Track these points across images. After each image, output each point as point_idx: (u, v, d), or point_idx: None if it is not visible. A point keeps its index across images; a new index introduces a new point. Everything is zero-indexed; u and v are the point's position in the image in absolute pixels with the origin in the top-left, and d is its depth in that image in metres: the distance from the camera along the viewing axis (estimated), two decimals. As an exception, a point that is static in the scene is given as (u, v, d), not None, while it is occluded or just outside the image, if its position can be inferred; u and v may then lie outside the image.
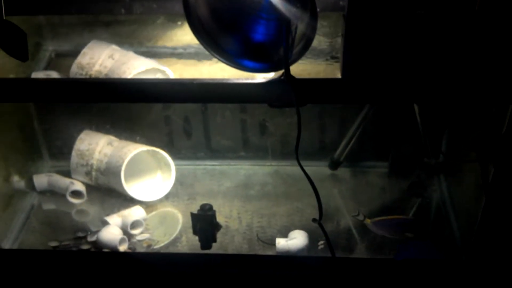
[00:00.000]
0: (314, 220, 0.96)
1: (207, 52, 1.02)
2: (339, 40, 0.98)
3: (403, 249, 1.06)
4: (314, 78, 0.86)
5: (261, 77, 0.86)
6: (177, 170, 1.21)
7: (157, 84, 0.88)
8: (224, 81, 0.85)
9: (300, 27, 0.80)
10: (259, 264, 1.05)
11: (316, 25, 0.82)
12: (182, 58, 1.08)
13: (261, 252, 1.08)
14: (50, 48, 1.15)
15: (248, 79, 0.86)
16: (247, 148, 1.29)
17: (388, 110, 1.18)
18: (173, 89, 0.86)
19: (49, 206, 1.21)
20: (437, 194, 1.21)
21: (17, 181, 1.19)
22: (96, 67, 1.03)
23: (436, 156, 1.22)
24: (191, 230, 1.05)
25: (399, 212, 1.15)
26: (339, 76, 0.84)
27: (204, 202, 1.04)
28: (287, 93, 0.82)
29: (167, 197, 1.21)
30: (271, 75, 0.88)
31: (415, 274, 1.02)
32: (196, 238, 1.04)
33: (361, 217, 1.09)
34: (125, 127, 1.24)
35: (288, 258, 1.05)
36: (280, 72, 0.84)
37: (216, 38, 0.81)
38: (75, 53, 1.05)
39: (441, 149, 1.20)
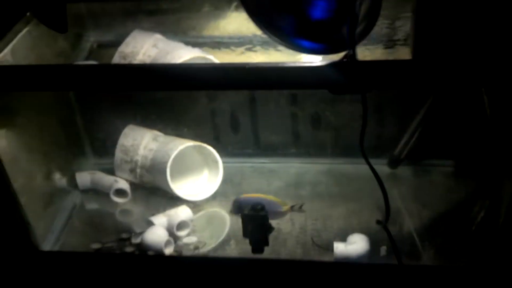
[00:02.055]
0: (378, 222, 0.90)
1: (255, 42, 1.02)
2: (398, 23, 0.96)
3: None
4: (381, 60, 0.80)
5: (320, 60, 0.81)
6: (224, 168, 1.17)
7: (206, 69, 0.83)
8: (280, 65, 0.79)
9: (364, 3, 0.74)
10: (316, 270, 1.00)
11: (381, 1, 0.75)
12: (228, 47, 1.05)
13: (317, 257, 1.03)
14: (91, 38, 1.13)
15: (306, 62, 0.80)
16: (298, 144, 1.23)
17: (455, 101, 1.10)
18: (224, 75, 0.82)
19: (92, 205, 1.19)
20: (508, 196, 1.09)
21: (59, 179, 1.16)
22: (140, 57, 1.01)
23: (508, 154, 1.09)
24: (240, 233, 1.00)
25: (464, 216, 1.07)
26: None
27: (254, 202, 0.99)
28: (350, 77, 0.76)
29: (214, 196, 1.17)
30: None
31: (490, 280, 0.94)
32: (246, 241, 1.00)
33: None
34: (171, 122, 1.21)
35: (348, 264, 0.99)
36: (340, 55, 0.78)
37: (271, 16, 0.76)
38: (117, 44, 1.04)
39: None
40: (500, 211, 1.08)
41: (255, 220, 0.97)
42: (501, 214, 1.08)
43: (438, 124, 1.13)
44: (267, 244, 0.99)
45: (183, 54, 0.98)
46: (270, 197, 1.01)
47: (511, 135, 1.07)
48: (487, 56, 0.74)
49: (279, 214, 1.03)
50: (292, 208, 1.01)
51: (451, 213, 1.08)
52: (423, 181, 1.17)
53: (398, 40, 0.97)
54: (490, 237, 1.02)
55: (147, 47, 1.01)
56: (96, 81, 0.87)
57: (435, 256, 1.01)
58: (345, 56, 0.77)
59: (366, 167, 0.88)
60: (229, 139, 1.24)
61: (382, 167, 1.18)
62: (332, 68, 0.77)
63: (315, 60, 0.84)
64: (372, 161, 1.07)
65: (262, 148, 1.25)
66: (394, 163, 1.18)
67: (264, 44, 1.00)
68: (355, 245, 1.00)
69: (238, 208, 1.02)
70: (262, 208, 0.98)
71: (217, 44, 1.06)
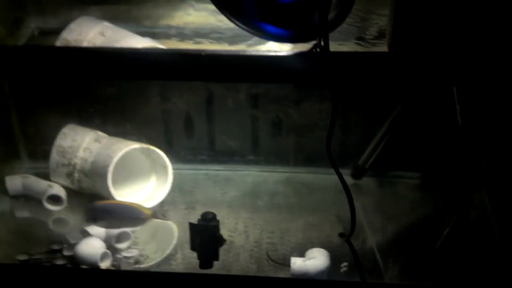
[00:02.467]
0: (341, 234, 0.86)
1: (215, 34, 0.97)
2: (369, 19, 0.91)
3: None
4: (355, 52, 0.76)
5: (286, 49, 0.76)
6: (175, 174, 1.12)
7: (156, 55, 0.79)
8: (241, 53, 0.76)
9: None
10: (271, 287, 0.94)
11: None
12: (186, 39, 1.00)
13: (272, 273, 0.98)
14: (32, 24, 1.07)
15: (270, 51, 0.76)
16: (256, 151, 1.20)
17: (424, 111, 1.09)
18: (176, 62, 0.77)
19: (22, 213, 1.12)
20: (478, 211, 1.11)
21: (-14, 183, 1.10)
22: (84, 44, 0.95)
23: (478, 166, 1.11)
24: (188, 245, 0.94)
25: (430, 231, 1.05)
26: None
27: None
28: (320, 69, 0.70)
29: (161, 205, 1.12)
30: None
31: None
32: (194, 254, 0.94)
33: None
34: (117, 122, 1.16)
35: (306, 282, 0.94)
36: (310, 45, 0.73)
37: None
38: (61, 31, 0.98)
39: (484, 159, 1.10)
40: (467, 227, 1.08)
41: (205, 231, 0.91)
42: (468, 230, 1.07)
43: (405, 134, 1.11)
44: (216, 258, 0.93)
45: (133, 43, 0.93)
46: (130, 203, 0.98)
47: (485, 146, 1.09)
48: (467, 51, 0.71)
49: (140, 221, 0.99)
50: (154, 215, 0.97)
51: (417, 228, 1.07)
52: (387, 194, 1.16)
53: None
54: (456, 254, 1.00)
55: (93, 35, 0.96)
56: (28, 65, 0.80)
57: (399, 273, 0.97)
58: (315, 46, 0.72)
59: (328, 176, 0.87)
60: (182, 143, 1.20)
61: (345, 177, 1.11)
62: (299, 58, 0.73)
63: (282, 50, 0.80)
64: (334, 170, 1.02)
65: (217, 153, 1.21)
66: (358, 174, 1.16)
67: (226, 37, 0.97)
68: (314, 260, 0.95)
69: (93, 216, 0.97)
70: (213, 217, 0.91)
71: (174, 35, 1.02)
